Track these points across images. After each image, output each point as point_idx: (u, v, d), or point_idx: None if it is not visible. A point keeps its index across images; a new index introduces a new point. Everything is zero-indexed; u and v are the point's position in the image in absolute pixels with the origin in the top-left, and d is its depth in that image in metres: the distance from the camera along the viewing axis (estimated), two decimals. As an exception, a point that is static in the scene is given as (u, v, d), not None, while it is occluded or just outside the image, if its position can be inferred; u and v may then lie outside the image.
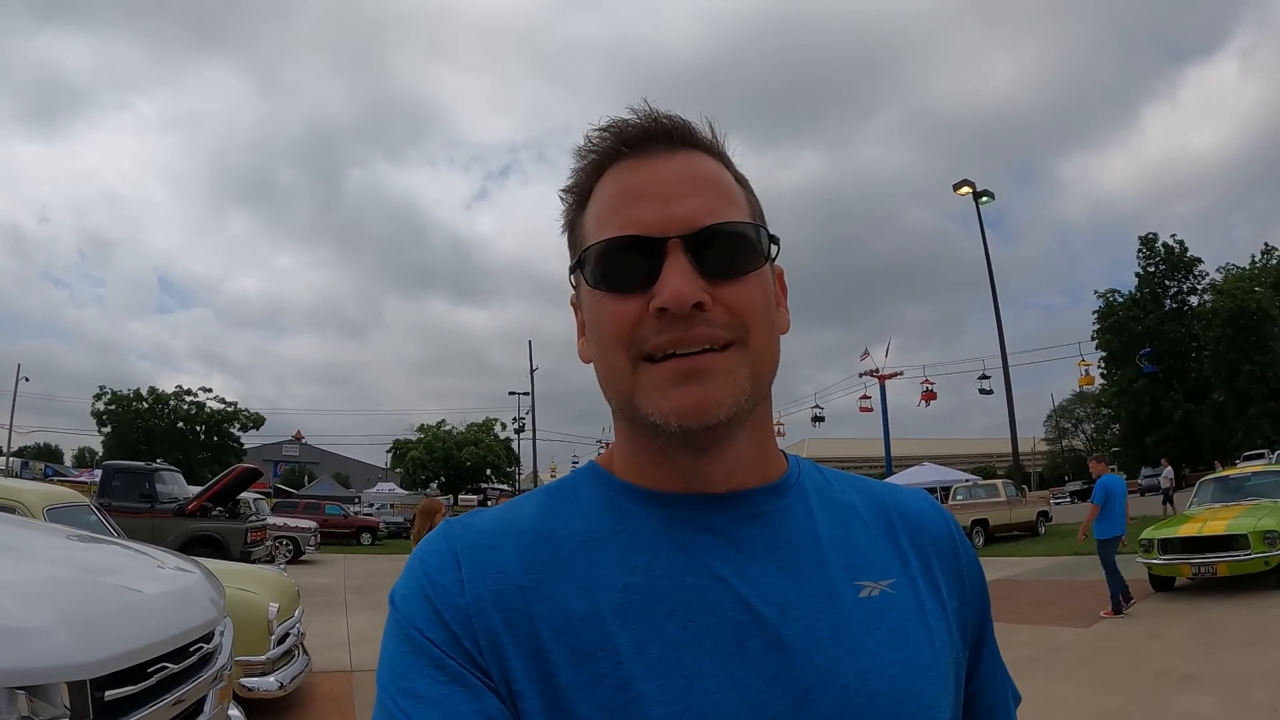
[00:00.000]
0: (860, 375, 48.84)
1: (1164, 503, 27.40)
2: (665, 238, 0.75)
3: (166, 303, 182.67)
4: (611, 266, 0.78)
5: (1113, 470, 11.30)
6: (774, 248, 0.82)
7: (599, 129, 0.82)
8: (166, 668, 2.60)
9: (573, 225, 0.86)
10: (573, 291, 0.88)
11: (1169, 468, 29.92)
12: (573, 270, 0.84)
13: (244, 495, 20.01)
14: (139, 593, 2.99)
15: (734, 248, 0.78)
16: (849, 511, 0.86)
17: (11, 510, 5.41)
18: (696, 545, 0.78)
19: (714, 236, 0.77)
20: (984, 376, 36.87)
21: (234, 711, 3.63)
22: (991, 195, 33.97)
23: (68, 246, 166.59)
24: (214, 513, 17.51)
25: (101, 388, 64.69)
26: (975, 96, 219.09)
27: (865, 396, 47.07)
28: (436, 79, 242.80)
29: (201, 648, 2.96)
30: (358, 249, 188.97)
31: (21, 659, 2.11)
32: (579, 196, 0.85)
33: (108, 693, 2.27)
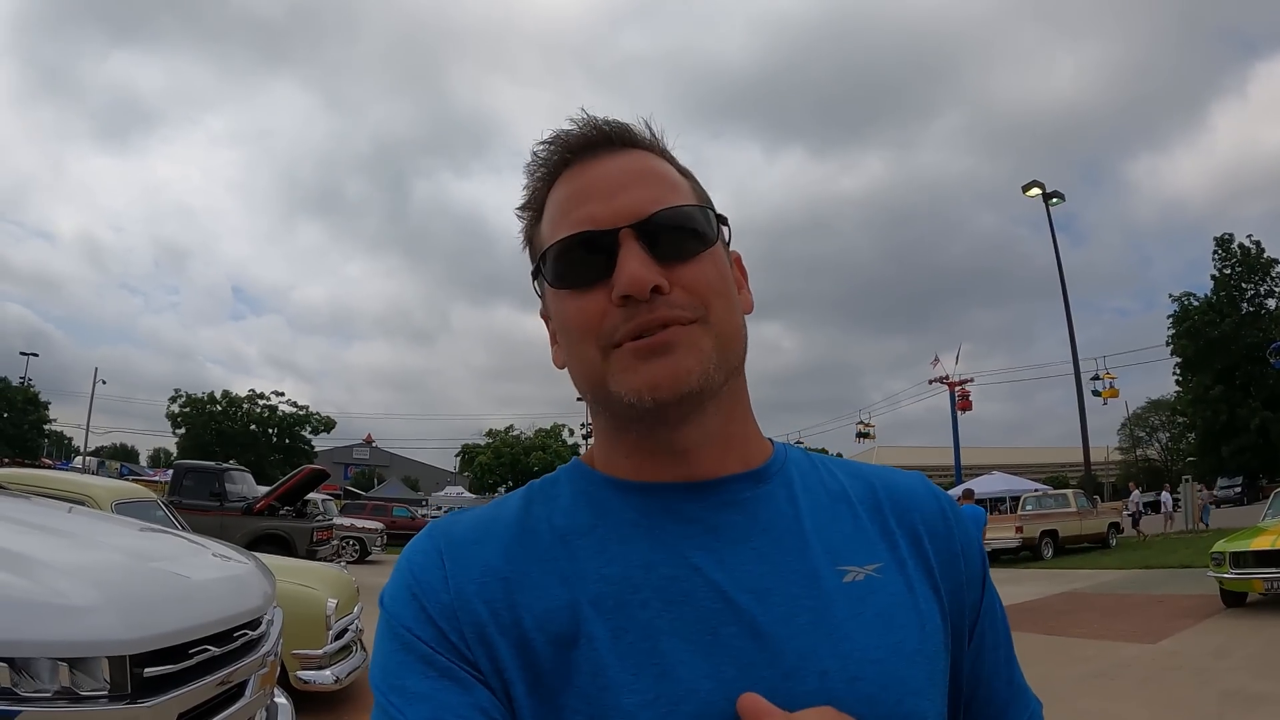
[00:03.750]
0: (930, 382, 48.30)
1: (1133, 526, 26.87)
2: (616, 229, 0.78)
3: (239, 309, 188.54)
4: (570, 264, 0.80)
5: (972, 503, 13.24)
6: (724, 229, 0.84)
7: (543, 143, 0.85)
8: (208, 650, 2.69)
9: (530, 239, 0.88)
10: (540, 304, 0.91)
11: (1137, 490, 29.68)
12: (534, 277, 0.87)
13: (312, 496, 20.40)
14: (187, 578, 3.10)
15: (683, 230, 0.80)
16: (836, 496, 0.86)
17: (81, 503, 5.60)
18: (672, 534, 0.79)
19: (663, 221, 0.79)
20: (1096, 378, 35.94)
21: (281, 700, 3.72)
22: (1062, 196, 33.44)
23: (143, 256, 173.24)
24: (281, 512, 17.83)
25: (176, 391, 67.11)
26: (1037, 97, 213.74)
27: (965, 393, 46.40)
28: (498, 93, 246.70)
29: (247, 634, 3.05)
30: (425, 258, 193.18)
31: (65, 633, 2.22)
32: (534, 210, 0.87)
33: (147, 669, 2.36)
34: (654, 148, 0.86)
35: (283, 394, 69.07)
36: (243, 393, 68.21)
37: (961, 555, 0.87)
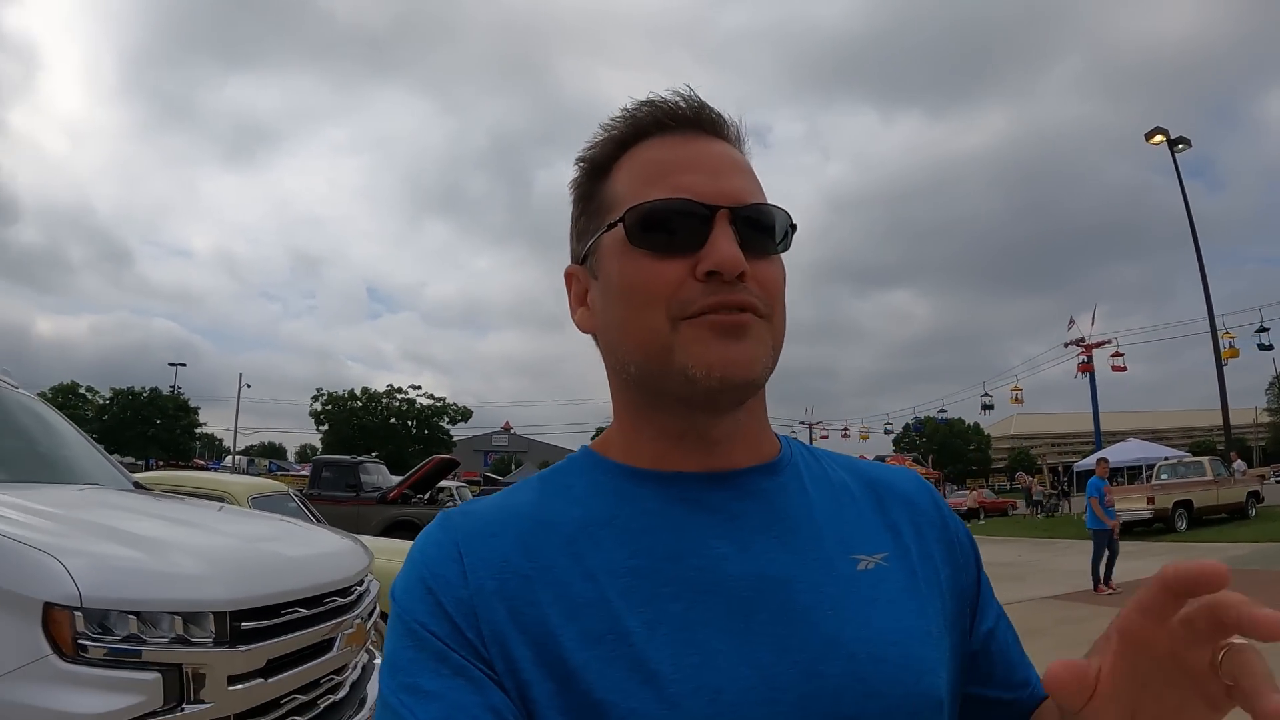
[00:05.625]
0: (1066, 345, 46.54)
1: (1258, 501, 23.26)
2: (716, 206, 0.77)
3: (375, 309, 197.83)
4: (658, 227, 0.78)
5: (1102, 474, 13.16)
6: (792, 237, 0.84)
7: (641, 102, 0.84)
8: (298, 611, 3.34)
9: (590, 194, 0.87)
10: (571, 263, 0.90)
11: (1240, 460, 26.42)
12: (606, 230, 0.83)
13: (446, 483, 21.02)
14: (283, 554, 3.80)
15: (768, 229, 0.81)
16: (840, 489, 0.88)
17: (221, 499, 6.42)
18: (695, 525, 0.78)
19: (756, 215, 0.80)
20: (1263, 329, 33.08)
21: (379, 660, 4.36)
22: (1188, 142, 31.48)
23: (278, 265, 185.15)
24: (413, 500, 18.39)
25: (318, 390, 70.03)
26: (1160, 33, 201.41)
27: (1117, 354, 44.32)
28: (606, 80, 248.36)
29: (336, 600, 3.69)
30: (551, 246, 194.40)
31: (181, 594, 2.89)
32: (599, 166, 0.86)
33: (244, 624, 3.01)
34: (741, 147, 0.87)
35: (419, 387, 71.39)
36: (381, 388, 70.86)
37: (957, 542, 0.90)
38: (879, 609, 0.78)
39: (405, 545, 8.43)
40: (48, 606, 2.61)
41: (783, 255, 0.84)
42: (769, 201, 0.82)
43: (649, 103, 0.83)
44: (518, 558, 0.75)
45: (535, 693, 0.70)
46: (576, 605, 0.73)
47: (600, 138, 0.86)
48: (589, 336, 0.89)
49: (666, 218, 0.78)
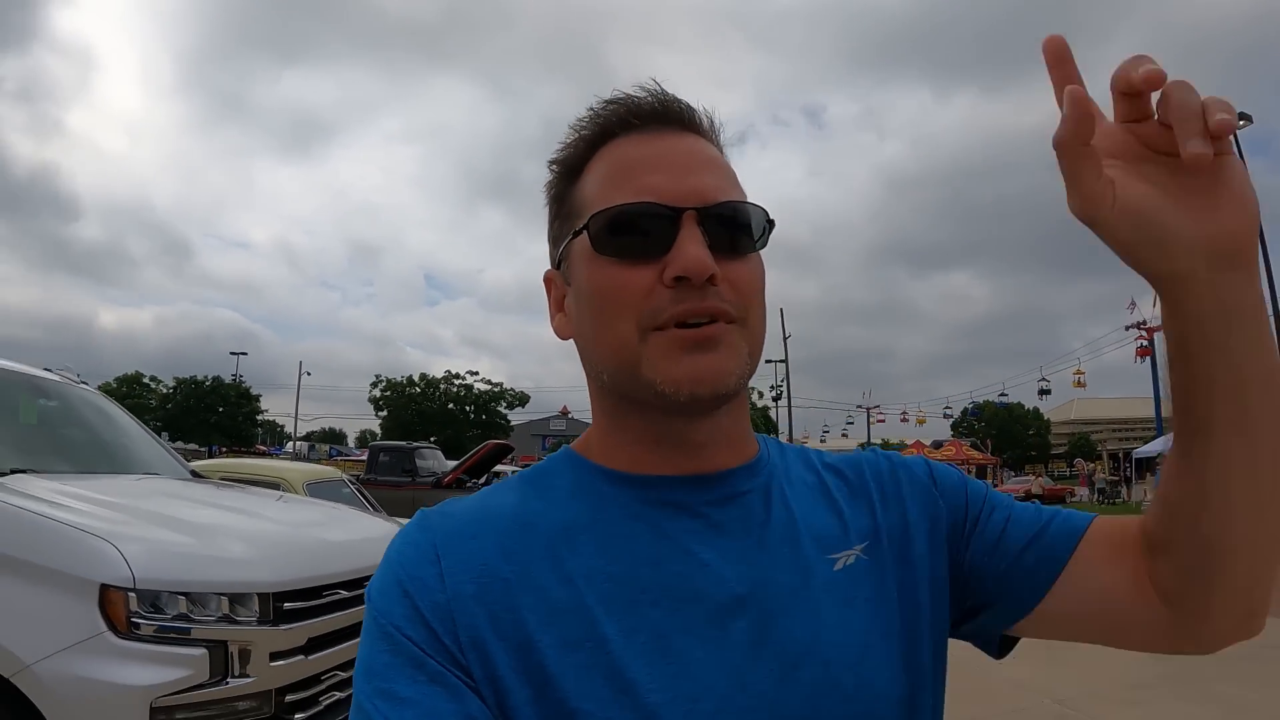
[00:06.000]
0: (1126, 328, 45.56)
1: None
2: (682, 208, 0.74)
3: (432, 295, 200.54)
4: (623, 232, 0.75)
5: None
6: (769, 234, 0.81)
7: (606, 101, 0.81)
8: (339, 593, 3.54)
9: (562, 197, 0.84)
10: (550, 268, 0.88)
11: None
12: (563, 237, 0.82)
13: (501, 468, 21.26)
14: (326, 540, 4.01)
15: (741, 227, 0.77)
16: (813, 486, 0.87)
17: (277, 486, 6.66)
18: (676, 529, 0.77)
19: (725, 213, 0.76)
20: None
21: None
22: (1249, 118, 30.73)
23: (336, 254, 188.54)
24: (469, 485, 18.40)
25: (377, 376, 71.04)
26: (1221, 4, 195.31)
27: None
28: (657, 64, 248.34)
29: (377, 583, 3.89)
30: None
31: (228, 576, 3.12)
32: (570, 168, 0.83)
33: (286, 604, 3.23)
34: (715, 140, 0.84)
35: (476, 373, 71.70)
36: (439, 374, 71.58)
37: (933, 485, 0.88)
38: (855, 610, 0.77)
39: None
40: (104, 587, 2.85)
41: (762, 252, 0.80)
42: (744, 199, 0.79)
43: (614, 101, 0.81)
44: (497, 561, 0.73)
45: (513, 700, 0.68)
46: (555, 611, 0.71)
47: (571, 139, 0.83)
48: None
49: (631, 222, 0.75)
